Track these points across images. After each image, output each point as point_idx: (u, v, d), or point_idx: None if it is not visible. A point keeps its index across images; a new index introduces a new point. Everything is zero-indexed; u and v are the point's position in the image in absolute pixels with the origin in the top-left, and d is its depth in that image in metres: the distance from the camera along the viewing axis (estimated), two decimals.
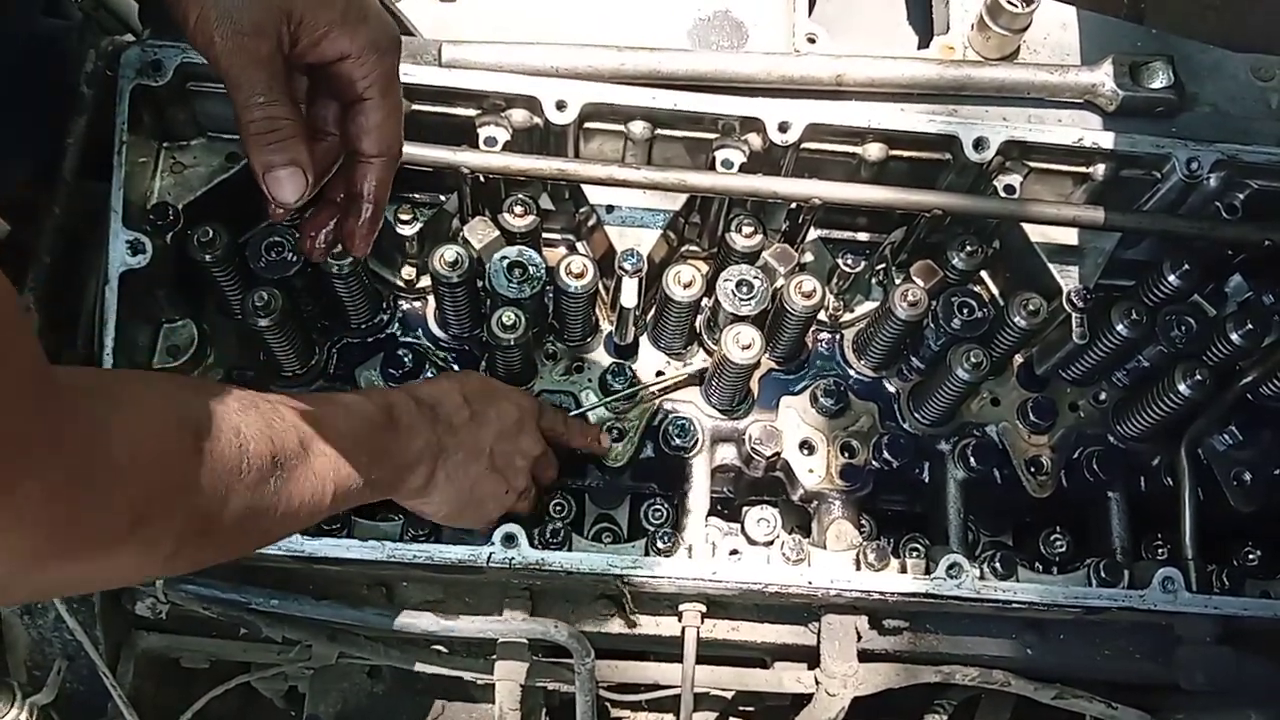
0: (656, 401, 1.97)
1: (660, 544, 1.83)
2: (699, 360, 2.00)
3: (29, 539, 1.01)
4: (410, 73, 1.77)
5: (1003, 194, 1.87)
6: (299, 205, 1.48)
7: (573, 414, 1.95)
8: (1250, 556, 2.01)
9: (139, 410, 1.18)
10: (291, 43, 1.41)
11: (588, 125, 1.85)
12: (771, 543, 1.88)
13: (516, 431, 1.82)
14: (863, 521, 1.98)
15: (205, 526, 1.25)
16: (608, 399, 1.93)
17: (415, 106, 1.81)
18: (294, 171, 1.43)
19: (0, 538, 0.98)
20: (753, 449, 1.93)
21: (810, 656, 2.01)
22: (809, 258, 2.00)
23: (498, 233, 1.91)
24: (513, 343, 1.84)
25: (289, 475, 1.36)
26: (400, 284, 1.98)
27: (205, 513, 1.24)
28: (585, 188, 1.87)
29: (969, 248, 1.92)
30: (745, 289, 1.86)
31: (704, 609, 1.93)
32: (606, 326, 2.00)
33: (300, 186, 1.44)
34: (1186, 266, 1.87)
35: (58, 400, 1.03)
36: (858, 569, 1.85)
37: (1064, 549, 1.98)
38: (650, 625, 2.00)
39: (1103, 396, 2.02)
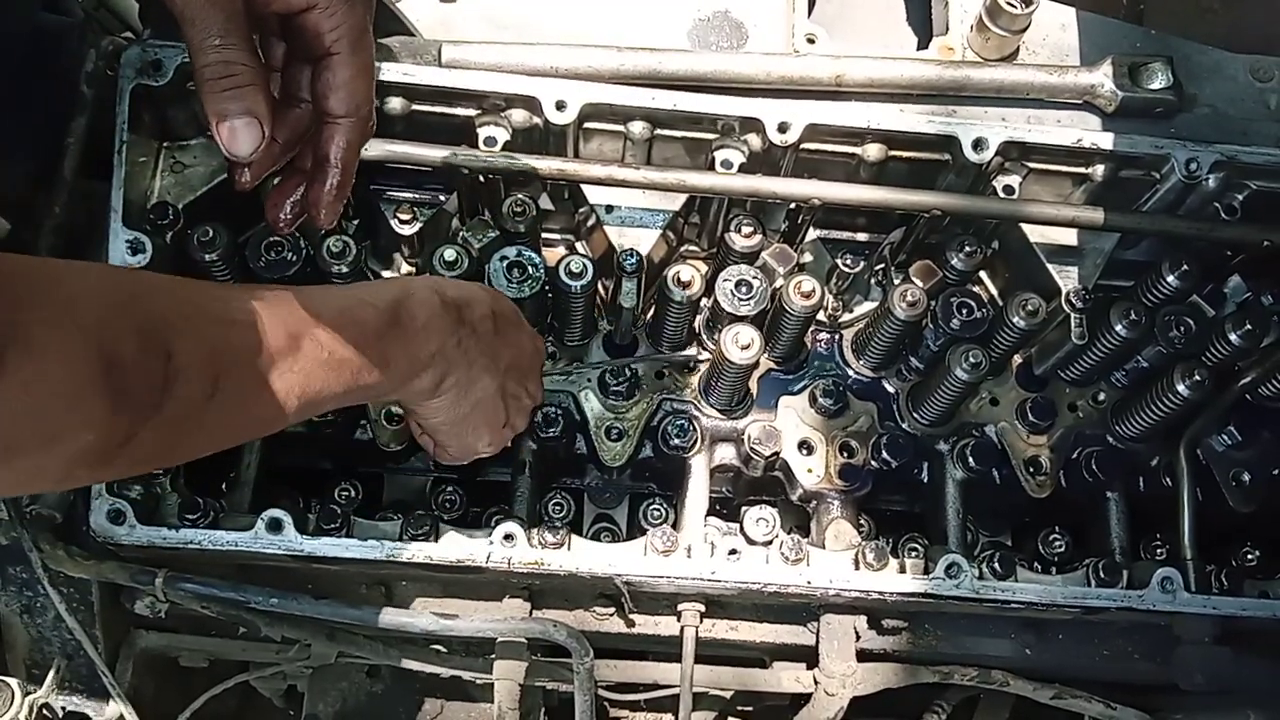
0: (655, 400, 1.97)
1: (659, 544, 1.83)
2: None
3: None
4: (410, 73, 1.78)
5: (1002, 194, 1.87)
6: (253, 159, 1.37)
7: (570, 371, 1.94)
8: (1249, 557, 2.02)
9: (84, 299, 1.09)
10: None
11: (587, 125, 1.85)
12: (770, 542, 1.88)
13: (531, 368, 1.76)
14: (861, 521, 1.99)
15: (126, 439, 1.14)
16: (606, 362, 1.94)
17: (415, 106, 1.81)
18: (249, 122, 1.32)
19: None
20: (751, 449, 1.93)
21: (809, 656, 2.01)
22: (808, 258, 2.00)
23: (497, 232, 1.91)
24: None
25: (236, 391, 1.26)
26: None
27: (125, 431, 1.13)
28: (585, 188, 1.87)
29: (968, 248, 1.92)
30: (744, 289, 1.86)
31: (703, 608, 1.93)
32: (605, 326, 2.00)
33: (255, 139, 1.33)
34: (1185, 267, 1.87)
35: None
36: (856, 569, 1.85)
37: (1063, 549, 1.98)
38: (649, 625, 2.00)
39: (1101, 397, 2.02)
